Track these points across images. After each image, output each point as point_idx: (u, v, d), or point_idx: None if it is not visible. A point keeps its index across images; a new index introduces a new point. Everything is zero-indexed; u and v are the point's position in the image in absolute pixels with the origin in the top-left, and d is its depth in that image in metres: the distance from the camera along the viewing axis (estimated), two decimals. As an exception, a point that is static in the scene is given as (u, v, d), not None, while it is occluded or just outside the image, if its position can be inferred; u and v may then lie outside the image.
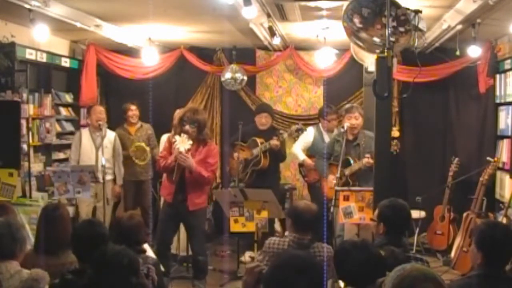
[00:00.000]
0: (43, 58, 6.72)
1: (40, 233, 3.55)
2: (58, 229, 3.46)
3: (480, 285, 2.77)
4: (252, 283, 2.69)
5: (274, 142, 6.33)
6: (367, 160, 5.71)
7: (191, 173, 5.18)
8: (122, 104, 7.33)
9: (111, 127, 6.96)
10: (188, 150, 5.14)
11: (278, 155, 6.56)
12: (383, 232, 3.45)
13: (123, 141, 7.00)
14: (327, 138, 6.75)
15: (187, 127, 5.21)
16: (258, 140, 6.49)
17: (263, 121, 6.61)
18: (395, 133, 6.44)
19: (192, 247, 5.54)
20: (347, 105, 6.50)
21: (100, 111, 6.74)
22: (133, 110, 7.08)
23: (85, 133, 6.72)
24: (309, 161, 6.80)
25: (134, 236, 3.53)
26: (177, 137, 5.19)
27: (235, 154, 6.58)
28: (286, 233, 3.93)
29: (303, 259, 2.32)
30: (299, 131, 6.50)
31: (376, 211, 3.61)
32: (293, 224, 3.80)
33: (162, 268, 3.81)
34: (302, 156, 6.86)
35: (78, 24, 5.91)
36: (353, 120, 6.05)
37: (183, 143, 5.13)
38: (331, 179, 5.94)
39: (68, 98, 7.61)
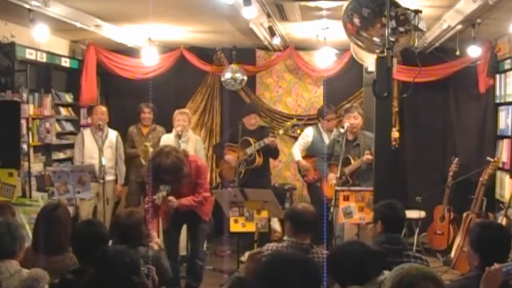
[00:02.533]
0: (43, 58, 6.72)
1: (38, 233, 3.53)
2: (56, 230, 3.43)
3: (479, 285, 2.76)
4: (255, 270, 2.69)
5: (271, 139, 6.33)
6: (367, 156, 5.73)
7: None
8: (122, 104, 7.35)
9: (111, 127, 6.95)
10: (167, 194, 4.83)
11: (273, 152, 6.57)
12: (381, 231, 3.46)
13: (134, 139, 7.00)
14: (326, 138, 6.76)
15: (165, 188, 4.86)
16: (251, 140, 6.49)
17: (252, 121, 6.59)
18: (395, 133, 6.44)
19: (193, 249, 5.34)
20: (347, 105, 6.53)
21: (102, 112, 6.74)
22: (146, 113, 7.04)
23: (87, 133, 6.73)
24: (303, 162, 6.80)
25: (134, 232, 3.54)
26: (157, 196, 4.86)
27: (227, 157, 6.61)
28: (285, 237, 3.87)
29: (294, 255, 2.32)
30: (295, 126, 6.49)
31: (372, 214, 3.62)
32: (292, 227, 3.71)
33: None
34: (298, 157, 6.86)
35: (78, 24, 5.91)
36: (353, 119, 6.08)
37: (161, 191, 4.84)
38: (332, 178, 5.96)
39: (68, 98, 7.61)
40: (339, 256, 2.81)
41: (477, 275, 2.88)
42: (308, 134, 6.85)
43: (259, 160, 6.47)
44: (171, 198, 4.87)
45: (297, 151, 6.90)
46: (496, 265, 2.67)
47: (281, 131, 6.65)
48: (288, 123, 6.66)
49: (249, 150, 6.48)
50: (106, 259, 2.61)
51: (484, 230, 3.03)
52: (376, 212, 3.57)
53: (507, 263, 2.73)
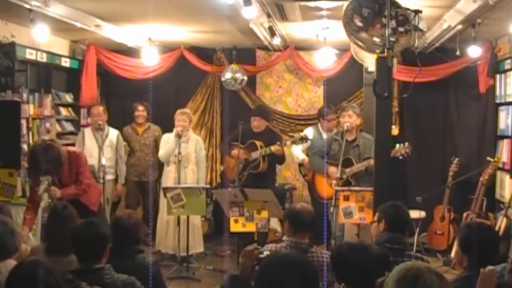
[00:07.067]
0: (43, 58, 6.72)
1: (50, 233, 3.58)
2: (68, 229, 3.45)
3: (469, 286, 2.75)
4: (251, 266, 2.68)
5: (277, 148, 6.30)
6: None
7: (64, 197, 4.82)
8: (122, 104, 7.36)
9: (111, 127, 6.96)
10: (49, 184, 4.79)
11: (279, 159, 6.55)
12: (384, 229, 3.45)
13: (129, 139, 7.02)
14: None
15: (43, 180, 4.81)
16: (258, 143, 6.44)
17: (254, 124, 6.54)
18: (395, 131, 6.43)
19: None
20: (344, 104, 6.54)
21: (98, 112, 6.72)
22: (140, 111, 7.10)
23: (88, 132, 6.74)
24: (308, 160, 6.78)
25: (133, 235, 3.52)
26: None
27: (234, 152, 6.54)
28: (284, 237, 3.87)
29: (293, 257, 2.31)
30: (304, 139, 6.45)
31: (377, 214, 3.62)
32: (290, 227, 3.69)
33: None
34: (302, 156, 6.86)
35: (78, 24, 5.91)
36: (347, 118, 6.08)
37: (43, 183, 4.79)
38: (333, 172, 5.93)
39: (68, 98, 7.61)
40: (341, 262, 2.77)
41: (467, 276, 2.88)
42: (308, 134, 6.84)
43: (263, 166, 6.42)
44: (53, 188, 4.83)
45: (299, 151, 6.89)
46: (490, 267, 2.66)
47: (288, 142, 6.59)
48: (297, 135, 6.61)
49: (254, 154, 6.44)
50: (18, 273, 2.47)
51: (472, 231, 3.02)
52: (380, 211, 3.57)
53: (500, 265, 2.73)
